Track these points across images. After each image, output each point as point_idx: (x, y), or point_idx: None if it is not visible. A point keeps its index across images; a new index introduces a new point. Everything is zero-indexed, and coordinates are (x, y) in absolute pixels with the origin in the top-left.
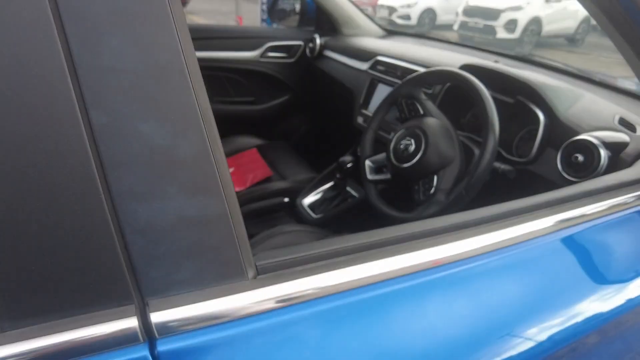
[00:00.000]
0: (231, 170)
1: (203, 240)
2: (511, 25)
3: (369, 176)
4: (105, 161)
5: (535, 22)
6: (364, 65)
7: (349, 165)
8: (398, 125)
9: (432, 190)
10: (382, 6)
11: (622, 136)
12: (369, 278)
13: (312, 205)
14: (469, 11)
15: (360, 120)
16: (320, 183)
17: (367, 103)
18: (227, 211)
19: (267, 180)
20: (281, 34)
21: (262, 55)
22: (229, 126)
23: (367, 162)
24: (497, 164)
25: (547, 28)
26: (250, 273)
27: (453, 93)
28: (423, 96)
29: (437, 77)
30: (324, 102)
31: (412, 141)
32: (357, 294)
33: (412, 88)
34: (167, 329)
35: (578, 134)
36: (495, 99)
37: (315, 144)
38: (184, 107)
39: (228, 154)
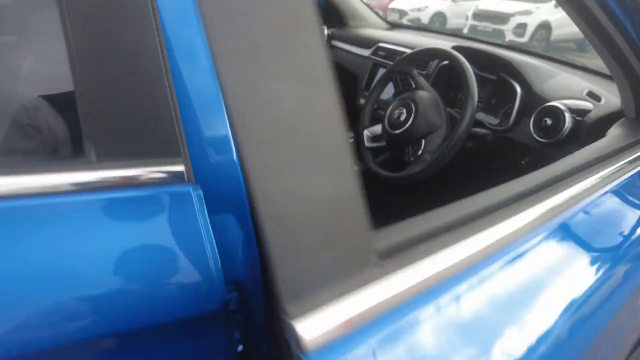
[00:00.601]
0: None
1: (337, 225)
2: (520, 29)
3: (367, 144)
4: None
5: (545, 26)
6: (366, 52)
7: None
8: (393, 101)
9: (420, 152)
10: (393, 9)
11: (586, 104)
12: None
13: None
14: (479, 15)
15: (362, 101)
16: None
17: (369, 85)
18: (357, 189)
19: None
20: None
21: None
22: None
23: (366, 132)
24: (477, 130)
25: (557, 32)
26: (374, 258)
27: (445, 73)
28: (415, 72)
29: (428, 54)
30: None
31: (404, 110)
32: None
33: (406, 65)
34: (316, 344)
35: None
36: (480, 76)
37: None
38: (316, 64)
39: None
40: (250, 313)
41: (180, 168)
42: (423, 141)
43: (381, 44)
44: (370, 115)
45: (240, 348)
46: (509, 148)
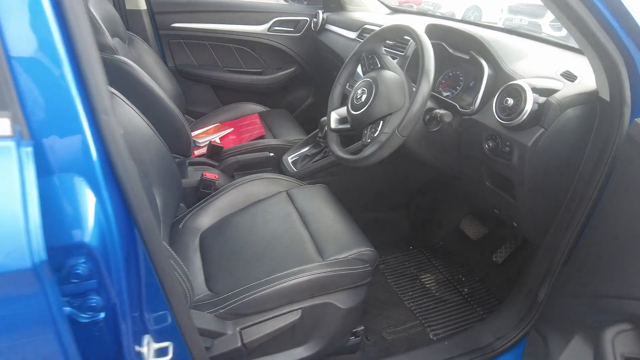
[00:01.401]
0: (230, 130)
1: None
2: (557, 22)
3: (332, 125)
4: None
5: None
6: (353, 35)
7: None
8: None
9: (377, 133)
10: (427, 3)
11: (555, 83)
12: None
13: (295, 161)
14: (515, 9)
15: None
16: (305, 143)
17: None
18: None
19: (261, 138)
20: (288, 10)
21: (270, 29)
22: (238, 94)
23: (333, 114)
24: (437, 111)
25: None
26: None
27: None
28: (382, 51)
29: (393, 32)
30: (326, 74)
31: (366, 90)
32: None
33: (373, 43)
34: None
35: None
36: (454, 57)
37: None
38: None
39: (233, 118)
40: (105, 279)
41: (5, 121)
42: (381, 122)
43: (367, 26)
44: (340, 96)
45: (102, 315)
46: (474, 132)
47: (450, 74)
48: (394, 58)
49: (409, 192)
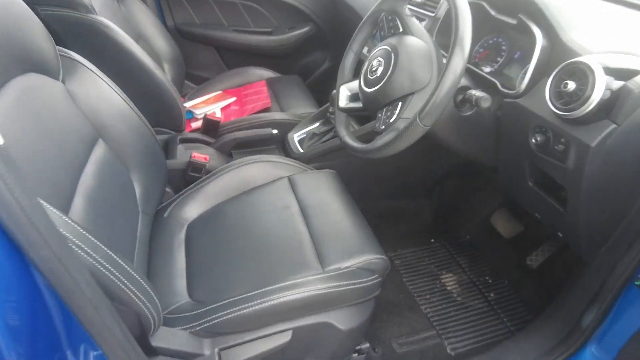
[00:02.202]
0: (233, 100)
1: None
2: None
3: (341, 103)
4: None
5: None
6: None
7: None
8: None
9: (393, 118)
10: None
11: (636, 62)
12: None
13: (302, 140)
14: None
15: (366, 50)
16: (315, 118)
17: None
18: None
19: (265, 111)
20: None
21: None
22: (246, 57)
23: (343, 88)
24: (472, 92)
25: None
26: None
27: None
28: (406, 11)
29: None
30: (345, 35)
31: (382, 62)
32: None
33: (394, 1)
34: None
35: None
36: (497, 21)
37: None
38: None
39: (238, 85)
40: None
41: None
42: (400, 104)
43: None
44: (353, 67)
45: None
46: (518, 119)
47: (491, 41)
48: (421, 20)
49: (433, 178)
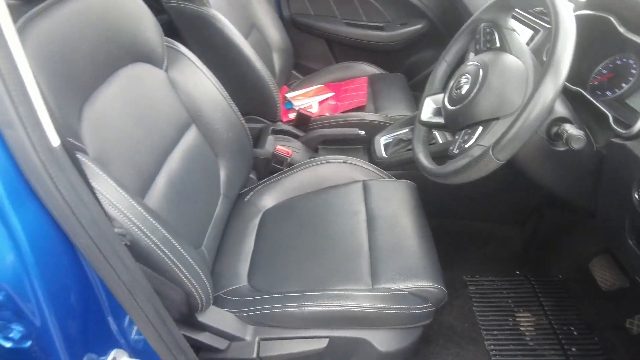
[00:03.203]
0: (331, 95)
1: None
2: None
3: (423, 116)
4: None
5: None
6: None
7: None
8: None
9: (470, 143)
10: None
11: None
12: None
13: (387, 144)
14: None
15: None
16: (406, 123)
17: None
18: None
19: (359, 109)
20: None
21: None
22: (354, 51)
23: (429, 100)
24: (568, 127)
25: None
26: None
27: (586, 33)
28: (508, 25)
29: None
30: None
31: (469, 79)
32: None
33: (495, 12)
34: None
35: None
36: (625, 40)
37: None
38: None
39: (342, 79)
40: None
41: None
42: (480, 128)
43: None
44: (444, 79)
45: (28, 343)
46: (623, 165)
47: (619, 62)
48: (536, 32)
49: (530, 205)
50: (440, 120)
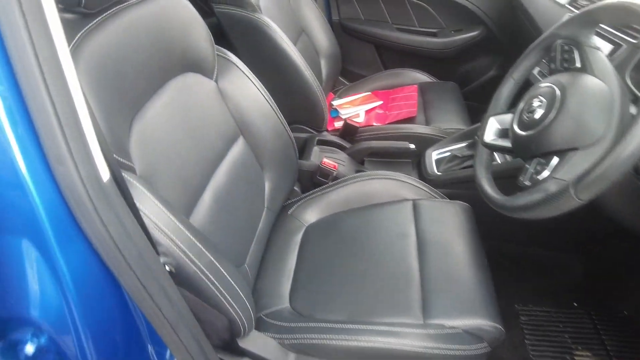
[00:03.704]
0: (379, 103)
1: None
2: None
3: (486, 137)
4: None
5: None
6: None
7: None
8: (539, 84)
9: (544, 175)
10: None
11: None
12: None
13: (440, 160)
14: None
15: (535, 71)
16: (461, 138)
17: None
18: None
19: (409, 120)
20: None
21: None
22: (404, 58)
23: (493, 120)
24: None
25: None
26: None
27: None
28: (591, 42)
29: (614, 15)
30: (521, 44)
31: (544, 101)
32: None
33: (577, 28)
34: None
35: None
36: None
37: None
38: None
39: (390, 87)
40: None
41: None
42: (556, 159)
43: None
44: (510, 98)
45: None
46: None
47: None
48: (617, 47)
49: (597, 233)
50: (506, 143)
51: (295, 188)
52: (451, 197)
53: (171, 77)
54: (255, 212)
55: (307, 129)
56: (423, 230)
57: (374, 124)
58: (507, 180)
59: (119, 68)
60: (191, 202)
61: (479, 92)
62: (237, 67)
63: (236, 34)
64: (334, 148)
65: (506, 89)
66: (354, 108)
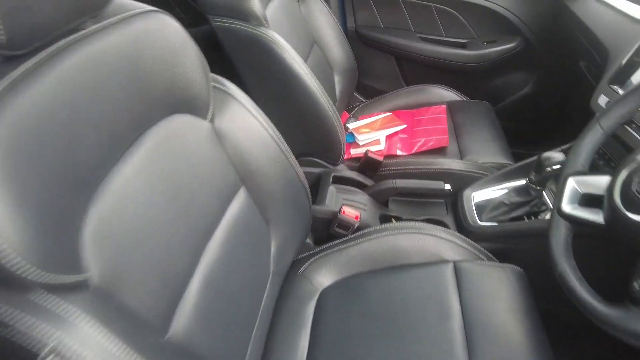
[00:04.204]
0: (402, 127)
1: None
2: None
3: (565, 205)
4: None
5: None
6: None
7: (555, 167)
8: None
9: None
10: None
11: None
12: None
13: (481, 205)
14: None
15: (602, 100)
16: (506, 177)
17: (625, 75)
18: None
19: (440, 151)
20: None
21: None
22: (427, 71)
23: (572, 181)
24: None
25: None
26: None
27: None
28: None
29: None
30: (566, 61)
31: None
32: None
33: None
34: None
35: None
36: None
37: (534, 117)
38: None
39: (413, 106)
40: None
41: None
42: None
43: None
44: (593, 152)
45: None
46: None
47: None
48: None
49: None
50: (595, 217)
51: (308, 240)
52: (497, 253)
53: (150, 124)
54: (259, 283)
55: (321, 162)
56: (469, 308)
57: (398, 152)
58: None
59: (65, 131)
60: (173, 301)
61: (511, 111)
62: (238, 101)
63: (238, 52)
64: (353, 188)
65: (591, 140)
66: (373, 133)
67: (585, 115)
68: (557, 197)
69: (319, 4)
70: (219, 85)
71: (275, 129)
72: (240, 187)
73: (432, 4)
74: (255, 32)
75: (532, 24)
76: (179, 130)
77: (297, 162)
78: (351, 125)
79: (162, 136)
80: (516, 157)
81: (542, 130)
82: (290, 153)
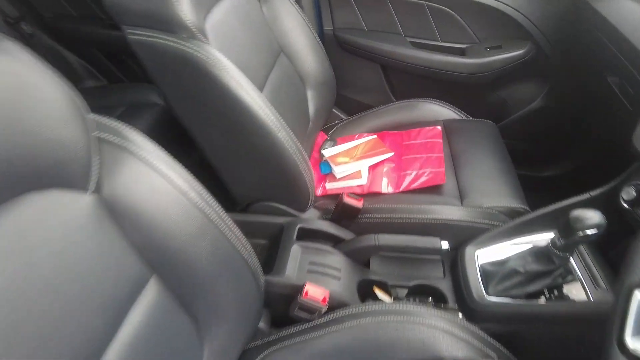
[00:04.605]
0: (389, 155)
1: None
2: None
3: (631, 339)
4: None
5: None
6: None
7: (590, 231)
8: None
9: None
10: None
11: None
12: None
13: (489, 271)
14: None
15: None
16: (517, 231)
17: None
18: None
19: (435, 189)
20: None
21: None
22: (421, 82)
23: (639, 295)
24: None
25: None
26: None
27: None
28: None
29: None
30: (586, 73)
31: None
32: None
33: None
34: None
35: None
36: None
37: (543, 134)
38: None
39: (402, 125)
40: None
41: None
42: None
43: None
44: None
45: None
46: None
47: None
48: None
49: None
50: None
51: (262, 324)
52: (510, 337)
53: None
54: None
55: (284, 208)
56: None
57: (384, 189)
58: None
59: None
60: None
61: (517, 128)
62: (140, 157)
63: (162, 75)
64: (324, 247)
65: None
66: (353, 163)
67: (619, 155)
68: (616, 320)
69: (286, 3)
70: (109, 137)
71: (201, 189)
72: (151, 277)
73: (425, 2)
74: (184, 48)
75: (545, 26)
76: (38, 214)
77: (236, 229)
78: (327, 153)
79: (21, 222)
80: (523, 184)
81: (550, 149)
82: (225, 218)
